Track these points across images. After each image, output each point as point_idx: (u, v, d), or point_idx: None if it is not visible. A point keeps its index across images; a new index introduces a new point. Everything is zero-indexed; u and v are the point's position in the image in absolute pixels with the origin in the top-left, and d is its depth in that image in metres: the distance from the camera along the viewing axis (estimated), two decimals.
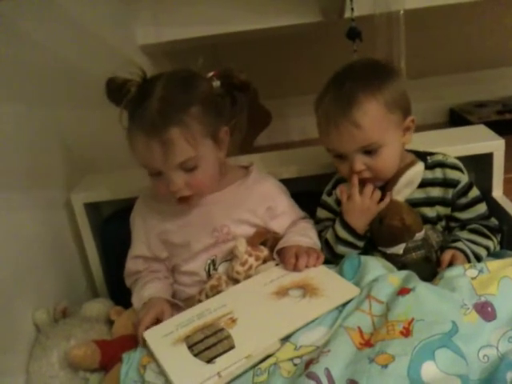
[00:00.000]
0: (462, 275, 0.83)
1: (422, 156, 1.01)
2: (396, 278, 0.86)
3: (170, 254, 1.03)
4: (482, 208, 1.02)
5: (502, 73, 2.74)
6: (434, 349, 0.70)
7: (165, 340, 0.83)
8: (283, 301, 0.88)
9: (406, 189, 0.96)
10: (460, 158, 1.04)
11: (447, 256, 0.94)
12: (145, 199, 1.06)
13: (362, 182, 0.97)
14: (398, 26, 1.66)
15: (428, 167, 1.01)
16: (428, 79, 2.58)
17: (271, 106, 2.57)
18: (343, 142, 0.93)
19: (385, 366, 0.69)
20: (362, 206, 0.96)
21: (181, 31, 1.87)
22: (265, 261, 1.00)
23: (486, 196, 1.08)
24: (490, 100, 2.73)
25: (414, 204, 0.98)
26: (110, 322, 1.04)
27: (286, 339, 0.80)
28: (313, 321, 0.82)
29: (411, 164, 0.95)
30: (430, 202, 1.01)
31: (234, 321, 0.85)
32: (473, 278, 0.82)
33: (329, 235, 1.02)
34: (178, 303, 0.97)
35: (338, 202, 1.02)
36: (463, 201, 1.01)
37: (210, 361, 0.77)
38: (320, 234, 1.06)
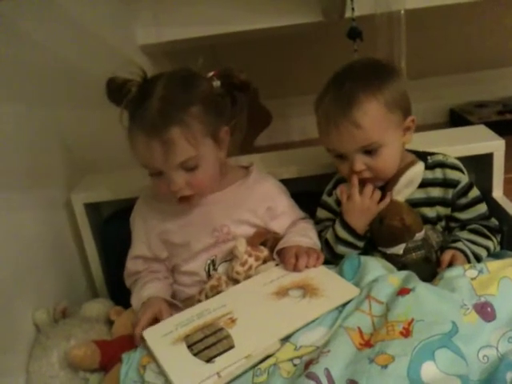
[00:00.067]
0: (461, 275, 0.83)
1: (422, 156, 1.01)
2: (396, 278, 0.86)
3: (170, 253, 1.03)
4: (482, 208, 1.02)
5: (502, 73, 2.74)
6: (434, 349, 0.70)
7: (164, 339, 0.83)
8: (283, 301, 0.88)
9: (406, 189, 0.96)
10: (460, 159, 1.04)
11: (447, 256, 0.94)
12: (145, 199, 1.06)
13: (362, 182, 0.97)
14: (398, 25, 1.66)
15: (428, 167, 1.01)
16: (428, 79, 2.58)
17: (271, 106, 2.57)
18: (343, 141, 0.93)
19: (385, 367, 0.69)
20: (362, 206, 0.96)
21: (181, 31, 1.87)
22: (265, 261, 1.00)
23: (486, 196, 1.08)
24: (491, 100, 2.73)
25: (414, 204, 0.98)
26: (110, 322, 1.04)
27: (285, 339, 0.80)
28: (313, 321, 0.82)
29: (411, 164, 0.95)
30: (430, 202, 1.01)
31: (233, 321, 0.85)
32: (472, 279, 0.82)
33: (329, 235, 1.02)
34: (177, 303, 0.97)
35: (338, 202, 1.02)
36: (463, 201, 1.01)
37: (209, 360, 0.77)
38: (320, 234, 1.06)
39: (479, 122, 2.37)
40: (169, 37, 1.88)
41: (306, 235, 1.01)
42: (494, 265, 0.84)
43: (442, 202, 1.01)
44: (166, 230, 1.01)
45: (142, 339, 0.86)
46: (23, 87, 1.08)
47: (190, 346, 0.80)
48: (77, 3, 1.39)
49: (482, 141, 1.15)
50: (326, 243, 1.02)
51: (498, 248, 1.03)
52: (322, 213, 1.09)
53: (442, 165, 1.02)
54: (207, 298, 0.95)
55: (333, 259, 1.00)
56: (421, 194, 1.00)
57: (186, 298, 1.01)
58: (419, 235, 0.95)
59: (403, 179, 0.95)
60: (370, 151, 0.93)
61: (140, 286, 1.00)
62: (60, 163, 1.21)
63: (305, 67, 2.53)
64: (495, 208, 1.10)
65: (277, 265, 0.99)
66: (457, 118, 2.70)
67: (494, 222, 1.03)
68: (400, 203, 0.96)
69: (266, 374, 0.74)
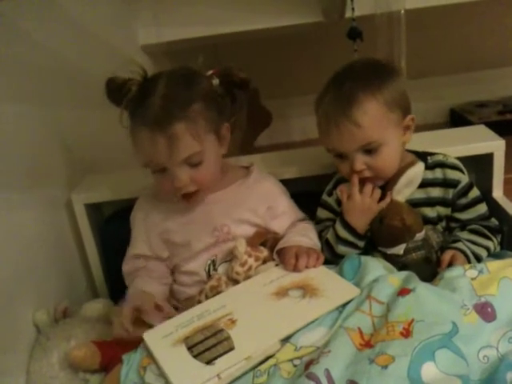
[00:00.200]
0: (462, 276, 0.83)
1: (422, 156, 1.01)
2: (396, 278, 0.85)
3: (170, 253, 1.03)
4: (482, 208, 1.02)
5: (502, 73, 2.73)
6: (434, 349, 0.70)
7: (164, 341, 0.83)
8: (283, 301, 0.88)
9: (406, 189, 0.96)
10: (460, 159, 1.04)
11: (447, 256, 0.94)
12: (146, 198, 1.06)
13: (363, 182, 0.97)
14: (398, 25, 1.66)
15: (428, 167, 1.01)
16: (428, 79, 2.58)
17: (272, 106, 2.57)
18: (343, 141, 0.93)
19: (385, 367, 0.69)
20: (362, 206, 0.96)
21: (181, 31, 1.87)
22: (264, 261, 1.00)
23: (487, 196, 1.08)
24: (491, 100, 2.72)
25: (414, 204, 0.98)
26: (110, 323, 1.04)
27: (285, 340, 0.80)
28: (313, 321, 0.82)
29: (411, 164, 0.95)
30: (431, 203, 1.01)
31: (233, 322, 0.84)
32: (473, 279, 0.82)
33: (329, 235, 1.02)
34: (162, 305, 0.94)
35: (339, 202, 1.02)
36: (463, 201, 1.01)
37: (209, 362, 0.77)
38: (320, 234, 1.06)
39: (479, 121, 2.37)
40: (169, 37, 1.88)
41: (306, 235, 1.01)
42: (494, 265, 0.84)
43: (442, 202, 1.01)
44: (167, 230, 1.01)
45: (142, 341, 0.86)
46: (23, 87, 1.08)
47: (190, 348, 0.80)
48: (77, 3, 1.39)
49: (482, 141, 1.15)
50: (326, 243, 1.02)
51: (498, 248, 1.03)
52: (322, 213, 1.09)
53: (442, 165, 1.02)
54: (207, 298, 0.95)
55: (333, 259, 1.00)
56: (421, 194, 1.00)
57: (186, 298, 1.01)
58: (419, 235, 0.95)
59: (403, 179, 0.95)
60: (370, 150, 0.94)
61: (132, 285, 0.99)
62: (60, 163, 1.21)
63: (305, 67, 2.53)
64: (495, 208, 1.10)
65: (277, 265, 0.99)
66: (457, 118, 2.70)
67: (494, 222, 1.03)
68: (400, 203, 0.96)
69: (266, 375, 0.74)
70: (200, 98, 0.92)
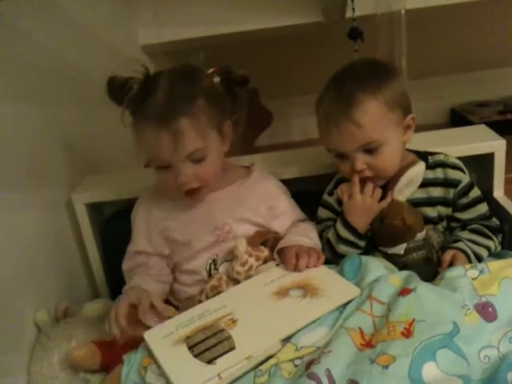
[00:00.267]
0: (462, 275, 0.83)
1: (423, 156, 1.01)
2: (397, 278, 0.85)
3: (171, 251, 1.03)
4: (482, 208, 1.02)
5: (503, 73, 2.73)
6: (435, 349, 0.70)
7: (165, 341, 0.83)
8: (284, 301, 0.88)
9: (407, 188, 0.96)
10: (461, 158, 1.04)
11: (448, 256, 0.93)
12: (147, 196, 1.06)
13: (363, 182, 0.97)
14: (399, 25, 1.66)
15: (429, 167, 1.01)
16: (429, 79, 2.59)
17: (272, 106, 2.57)
18: (344, 141, 0.93)
19: (386, 367, 0.68)
20: (363, 205, 0.96)
21: (181, 31, 1.87)
22: (265, 261, 1.00)
23: (487, 196, 1.08)
24: (492, 100, 2.73)
25: (415, 204, 0.98)
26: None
27: (286, 340, 0.80)
28: (313, 321, 0.82)
29: (412, 164, 0.95)
30: (431, 202, 1.01)
31: (234, 321, 0.84)
32: (474, 279, 0.82)
33: (330, 235, 1.02)
34: (156, 303, 0.93)
35: (339, 202, 1.02)
36: (464, 201, 1.01)
37: (210, 361, 0.77)
38: (321, 233, 1.05)
39: (480, 121, 2.37)
40: (169, 37, 1.88)
41: (306, 235, 1.01)
42: (495, 265, 0.84)
43: (442, 202, 1.01)
44: (168, 227, 1.01)
45: (143, 340, 0.85)
46: (23, 87, 1.08)
47: (190, 348, 0.80)
48: (77, 3, 1.39)
49: (482, 141, 1.15)
50: (327, 243, 1.02)
51: (498, 248, 1.03)
52: (323, 212, 1.09)
53: (443, 164, 1.01)
54: (208, 298, 0.95)
55: (334, 259, 1.00)
56: (422, 194, 1.00)
57: (186, 298, 1.01)
58: (420, 235, 0.95)
59: (404, 179, 0.95)
60: (370, 150, 0.93)
61: (130, 280, 0.99)
62: (61, 163, 1.21)
63: (305, 67, 2.53)
64: (496, 208, 1.09)
65: (277, 265, 0.99)
66: (458, 118, 2.70)
67: (494, 221, 1.03)
68: (401, 203, 0.96)
69: (267, 375, 0.74)
70: (203, 95, 0.92)
